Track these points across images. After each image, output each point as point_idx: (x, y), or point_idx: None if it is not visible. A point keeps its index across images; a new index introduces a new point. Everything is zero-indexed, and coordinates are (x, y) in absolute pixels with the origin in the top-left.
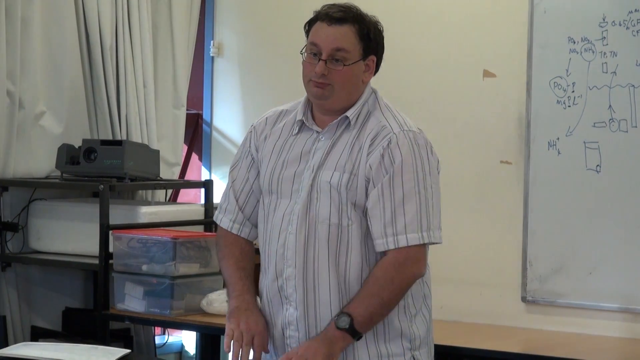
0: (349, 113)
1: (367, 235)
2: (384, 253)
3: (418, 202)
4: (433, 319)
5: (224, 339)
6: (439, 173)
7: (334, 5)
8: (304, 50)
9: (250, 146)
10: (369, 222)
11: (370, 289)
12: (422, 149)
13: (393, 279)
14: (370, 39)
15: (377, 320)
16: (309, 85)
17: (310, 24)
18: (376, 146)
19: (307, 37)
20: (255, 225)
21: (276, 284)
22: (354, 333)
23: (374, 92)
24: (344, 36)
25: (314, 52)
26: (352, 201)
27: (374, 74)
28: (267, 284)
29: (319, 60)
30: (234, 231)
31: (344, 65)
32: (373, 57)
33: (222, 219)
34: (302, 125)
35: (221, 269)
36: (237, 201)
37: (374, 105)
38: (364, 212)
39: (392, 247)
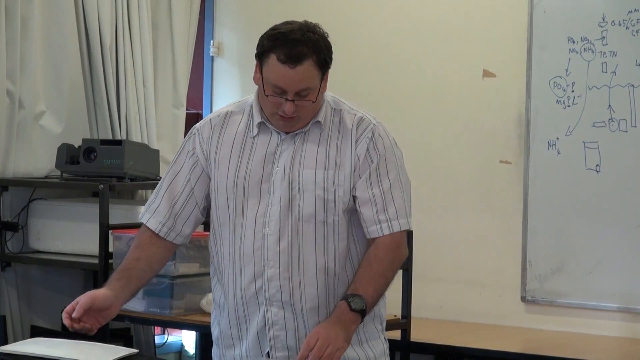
0: (319, 118)
1: (351, 229)
2: (372, 238)
3: (401, 190)
4: (432, 318)
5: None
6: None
7: (287, 35)
8: (263, 86)
9: (195, 149)
10: (358, 210)
11: (376, 269)
12: (393, 139)
13: (394, 260)
14: (327, 62)
15: (378, 301)
16: (274, 117)
17: (262, 55)
18: (361, 137)
19: (261, 65)
20: (184, 231)
21: (254, 285)
22: (364, 314)
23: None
24: (307, 76)
25: (277, 92)
26: (340, 196)
27: None
28: (241, 286)
29: (285, 100)
30: (162, 234)
31: (312, 102)
32: (328, 71)
33: (151, 220)
34: (261, 126)
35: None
36: (173, 205)
37: (336, 102)
38: (350, 207)
39: (387, 232)
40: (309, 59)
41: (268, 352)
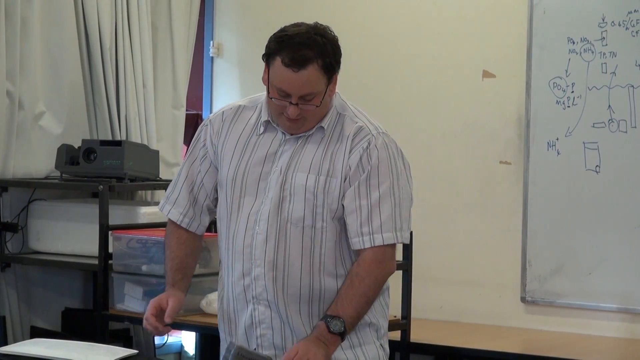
0: (324, 124)
1: (341, 234)
2: (357, 251)
3: (392, 203)
4: (432, 319)
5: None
6: (411, 177)
7: (292, 38)
8: (268, 90)
9: (205, 140)
10: (345, 220)
11: (357, 289)
12: (395, 151)
13: (377, 277)
14: (333, 65)
15: (361, 319)
16: (280, 118)
17: (269, 57)
18: (356, 147)
19: (268, 67)
20: (204, 221)
21: (242, 282)
22: (344, 335)
23: (336, 94)
24: (311, 80)
25: (281, 94)
26: (328, 203)
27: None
28: (232, 281)
29: (289, 104)
30: (184, 225)
31: (316, 106)
32: (335, 74)
33: (172, 211)
34: (267, 125)
35: None
36: (189, 195)
37: (342, 107)
38: (338, 215)
39: (368, 245)
40: (314, 63)
41: (255, 349)
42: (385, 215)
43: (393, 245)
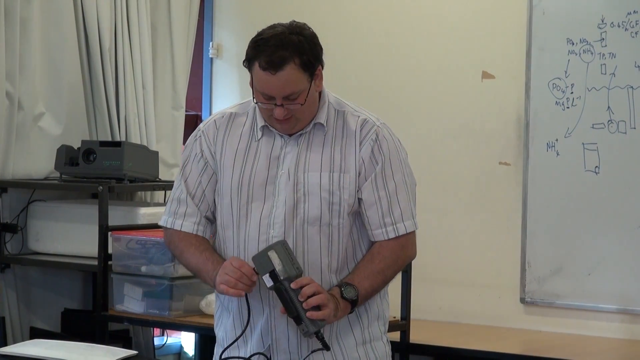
0: (321, 120)
1: (352, 228)
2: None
3: (406, 191)
4: (431, 320)
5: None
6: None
7: (267, 41)
8: (253, 95)
9: (202, 150)
10: (363, 214)
11: (377, 266)
12: (398, 141)
13: (398, 259)
14: (312, 62)
15: (371, 297)
16: (271, 120)
17: (249, 63)
18: (365, 139)
19: (250, 73)
20: (212, 230)
21: (258, 287)
22: (354, 306)
23: (326, 91)
24: (290, 80)
25: (265, 98)
26: (345, 199)
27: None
28: None
29: (275, 105)
30: (199, 233)
31: (301, 104)
32: (319, 67)
33: (184, 224)
34: (264, 130)
35: (185, 263)
36: (195, 207)
37: (339, 104)
38: (355, 209)
39: (392, 235)
40: (290, 62)
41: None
42: (404, 204)
43: (413, 232)
